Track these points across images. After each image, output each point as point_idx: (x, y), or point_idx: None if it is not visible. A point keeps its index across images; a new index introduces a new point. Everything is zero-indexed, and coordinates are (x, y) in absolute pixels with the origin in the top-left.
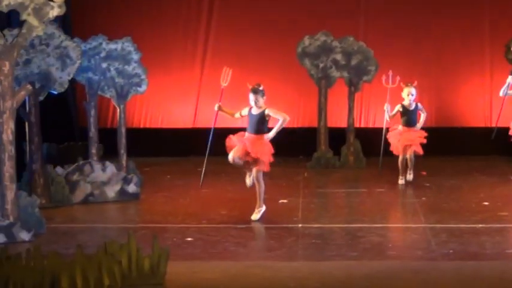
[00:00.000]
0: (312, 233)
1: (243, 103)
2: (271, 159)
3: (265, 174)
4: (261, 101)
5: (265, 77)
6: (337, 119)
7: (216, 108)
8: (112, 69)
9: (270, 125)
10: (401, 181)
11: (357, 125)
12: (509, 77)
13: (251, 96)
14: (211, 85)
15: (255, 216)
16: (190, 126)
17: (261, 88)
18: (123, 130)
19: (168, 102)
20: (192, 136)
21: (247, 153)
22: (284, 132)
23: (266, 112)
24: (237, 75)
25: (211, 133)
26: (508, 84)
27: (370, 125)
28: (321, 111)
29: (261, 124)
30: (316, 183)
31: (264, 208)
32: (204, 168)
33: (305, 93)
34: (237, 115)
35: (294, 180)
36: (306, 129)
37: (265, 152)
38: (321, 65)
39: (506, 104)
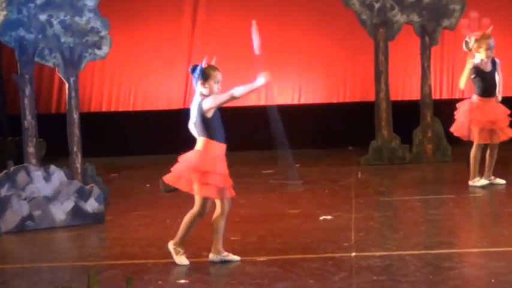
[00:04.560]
0: (372, 266)
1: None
2: None
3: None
4: None
5: (291, 28)
6: (405, 88)
7: None
8: (55, 23)
9: None
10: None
11: (435, 96)
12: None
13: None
14: (208, 43)
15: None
16: (180, 107)
17: None
18: (76, 117)
19: (144, 72)
20: (182, 122)
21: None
22: (323, 112)
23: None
24: (240, 27)
25: None
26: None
27: (457, 96)
28: (379, 76)
29: None
30: (376, 187)
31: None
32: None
33: (353, 50)
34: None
35: (341, 185)
36: (357, 104)
37: None
38: (377, 5)
39: None
